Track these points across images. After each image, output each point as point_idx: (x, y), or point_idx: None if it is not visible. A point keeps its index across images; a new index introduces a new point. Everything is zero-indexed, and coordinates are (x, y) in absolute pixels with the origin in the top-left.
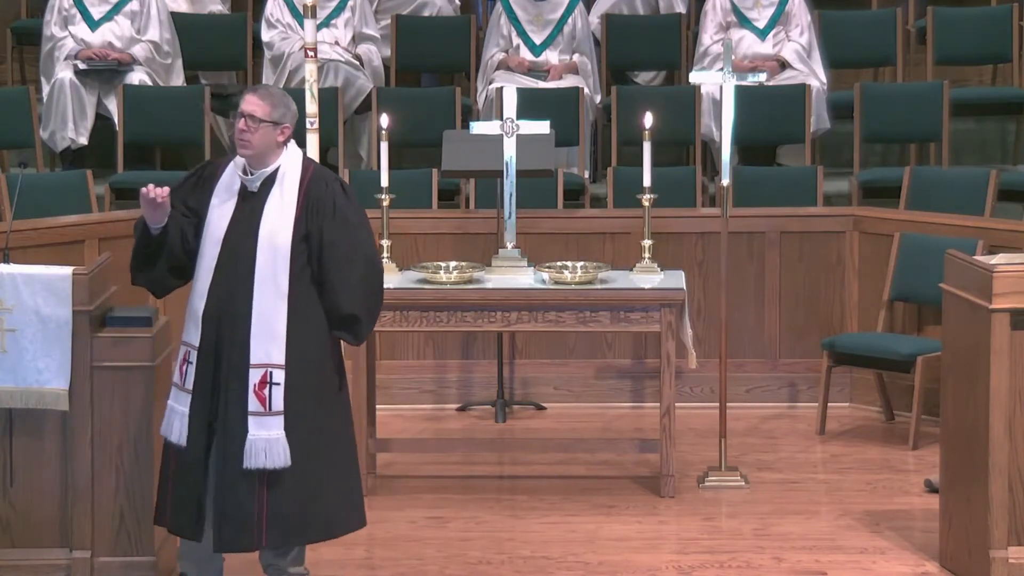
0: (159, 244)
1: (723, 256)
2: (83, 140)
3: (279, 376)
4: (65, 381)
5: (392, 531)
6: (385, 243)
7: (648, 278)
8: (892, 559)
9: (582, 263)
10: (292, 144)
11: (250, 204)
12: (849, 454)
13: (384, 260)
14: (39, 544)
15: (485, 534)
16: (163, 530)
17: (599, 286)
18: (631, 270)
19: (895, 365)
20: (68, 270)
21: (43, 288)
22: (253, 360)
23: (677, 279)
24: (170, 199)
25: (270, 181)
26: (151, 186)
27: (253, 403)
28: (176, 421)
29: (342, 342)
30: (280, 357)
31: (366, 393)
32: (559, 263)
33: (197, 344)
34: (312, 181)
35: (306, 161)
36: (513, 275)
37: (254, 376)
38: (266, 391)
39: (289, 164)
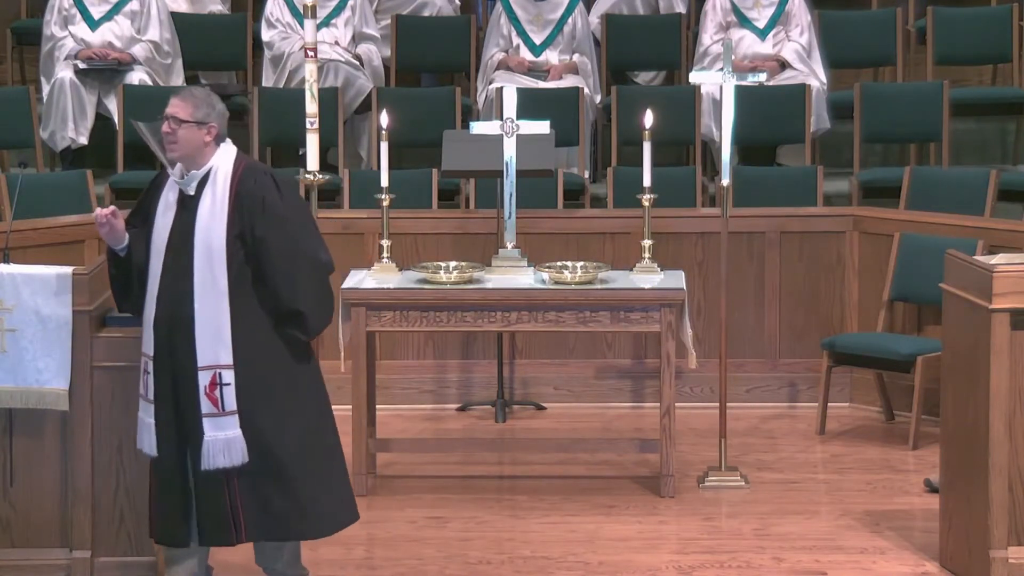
0: (127, 265)
1: (723, 256)
2: (83, 140)
3: (228, 376)
4: (65, 381)
5: (392, 531)
6: (385, 243)
7: (648, 278)
8: (892, 559)
9: (582, 263)
10: (227, 144)
11: (188, 208)
12: (849, 454)
13: (384, 260)
14: (39, 544)
15: (485, 534)
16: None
17: (599, 286)
18: (631, 270)
19: (895, 365)
20: (68, 270)
21: (43, 288)
22: (201, 363)
23: (677, 279)
24: (131, 217)
25: (204, 183)
26: (98, 210)
27: (206, 405)
28: (145, 433)
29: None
30: (228, 357)
31: (366, 393)
32: (559, 263)
33: (152, 353)
34: (242, 178)
35: (239, 158)
36: (513, 275)
37: (204, 378)
38: (217, 392)
39: (221, 163)
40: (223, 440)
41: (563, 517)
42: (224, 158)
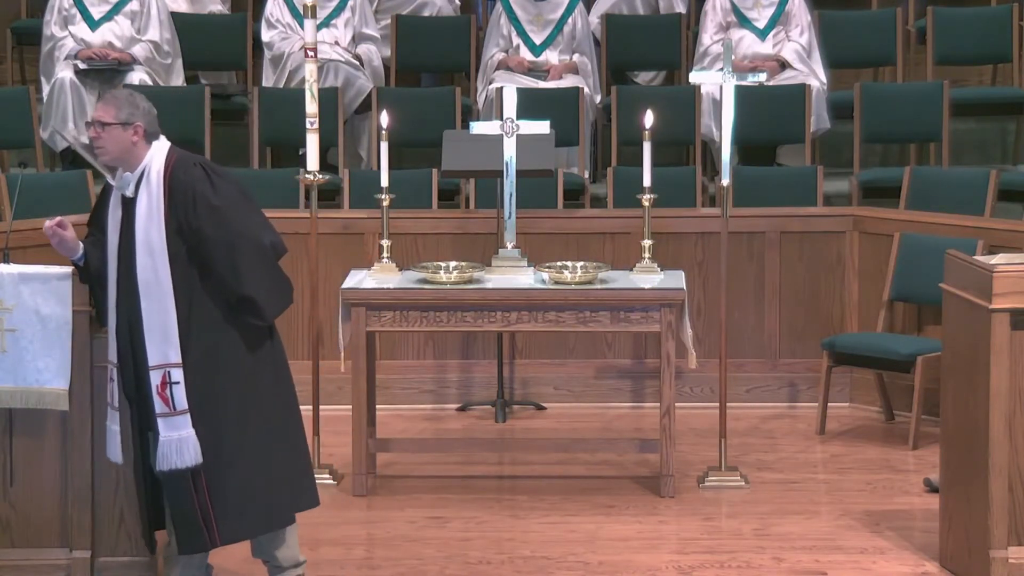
0: (87, 276)
1: (723, 256)
2: (83, 140)
3: (177, 375)
4: (65, 381)
5: (392, 531)
6: (385, 243)
7: (648, 278)
8: (892, 559)
9: (582, 263)
10: (160, 141)
11: (128, 210)
12: (849, 454)
13: (384, 260)
14: (39, 544)
15: (485, 534)
16: (164, 530)
17: (599, 286)
18: (631, 270)
19: (895, 365)
20: (68, 270)
21: (43, 288)
22: (151, 362)
23: (677, 279)
24: (89, 226)
25: (140, 183)
26: (46, 222)
27: (159, 404)
28: (110, 440)
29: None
30: (176, 356)
31: (366, 393)
32: (559, 263)
33: (115, 359)
34: (173, 172)
35: (170, 152)
36: (513, 275)
37: (155, 378)
38: (168, 391)
39: (154, 160)
40: (176, 440)
41: (563, 517)
42: (157, 155)
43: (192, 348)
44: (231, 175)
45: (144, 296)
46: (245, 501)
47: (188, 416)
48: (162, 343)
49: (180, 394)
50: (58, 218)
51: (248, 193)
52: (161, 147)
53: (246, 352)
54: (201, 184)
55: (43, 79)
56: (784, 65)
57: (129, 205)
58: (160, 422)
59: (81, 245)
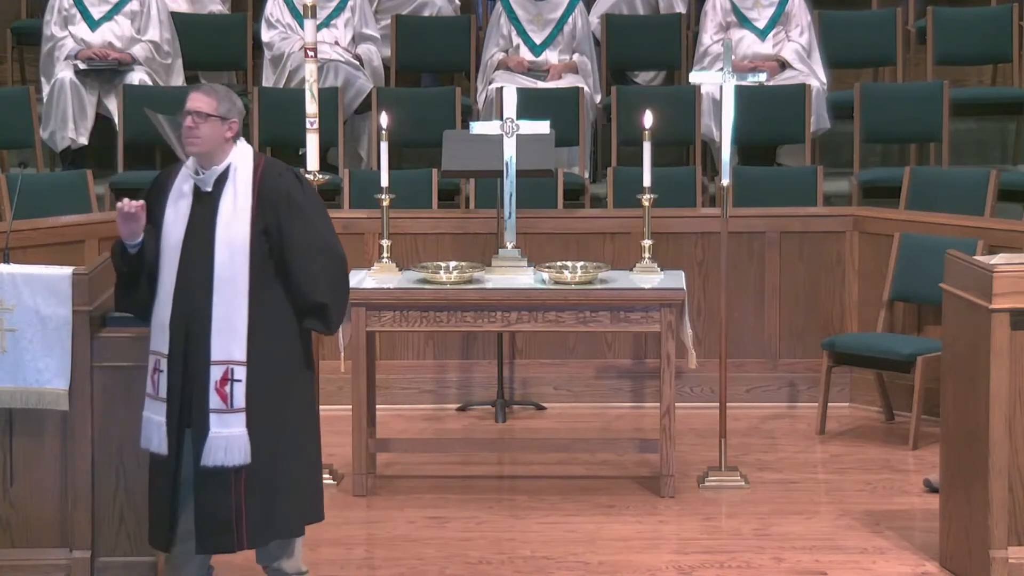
0: (139, 262)
1: (723, 256)
2: (83, 140)
3: (240, 373)
4: (65, 381)
5: (392, 531)
6: (385, 243)
7: (648, 278)
8: (892, 559)
9: (582, 263)
10: (242, 141)
11: (205, 205)
12: (849, 454)
13: (384, 260)
14: (39, 544)
15: (485, 534)
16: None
17: (599, 286)
18: (631, 270)
19: (895, 365)
20: (68, 270)
21: (43, 288)
22: (214, 357)
23: (677, 279)
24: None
25: (223, 179)
26: (126, 200)
27: (215, 400)
28: (155, 431)
29: (313, 334)
30: (241, 354)
31: (366, 393)
32: (559, 263)
33: (166, 351)
34: (264, 174)
35: (257, 155)
36: (513, 275)
37: (215, 373)
38: (227, 388)
39: (240, 160)
40: (226, 437)
41: (563, 517)
42: (242, 155)
43: (254, 349)
44: (313, 184)
45: (217, 292)
46: (274, 506)
47: (243, 415)
48: (229, 340)
49: (240, 392)
50: (141, 201)
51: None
52: (245, 148)
53: (299, 360)
54: (295, 190)
55: (43, 79)
56: (784, 65)
57: (205, 200)
58: (213, 417)
59: (143, 232)
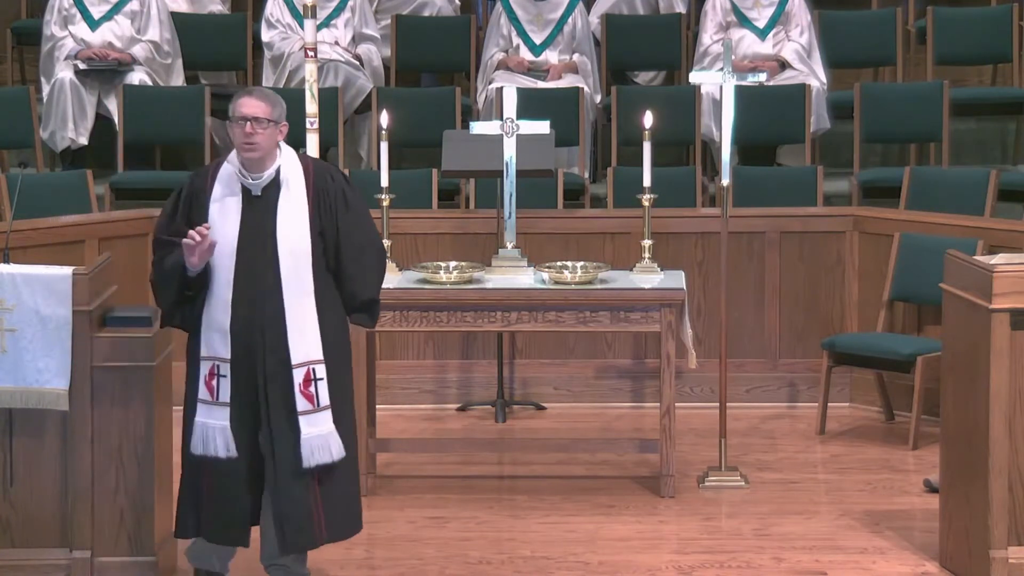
0: (201, 281)
1: (723, 256)
2: (83, 140)
3: (321, 371)
4: (65, 381)
5: (392, 531)
6: (385, 243)
7: (648, 278)
8: (892, 559)
9: (582, 263)
10: (285, 145)
11: (258, 209)
12: (849, 454)
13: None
14: (39, 544)
15: (485, 534)
16: (163, 530)
17: (599, 286)
18: (631, 270)
19: (895, 365)
20: (68, 270)
21: (43, 288)
22: (295, 360)
23: (677, 279)
24: (174, 229)
25: (274, 183)
26: (193, 233)
27: (302, 403)
28: (218, 436)
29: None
30: (318, 353)
31: (366, 393)
32: (559, 263)
33: (228, 356)
34: (317, 177)
35: (303, 156)
36: (513, 275)
37: (298, 376)
38: (312, 388)
39: (288, 163)
40: (321, 436)
41: (563, 517)
42: (289, 157)
43: (326, 347)
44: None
45: (288, 296)
46: (347, 501)
47: (330, 412)
48: (305, 341)
49: (324, 390)
50: (207, 225)
51: None
52: (289, 150)
53: (350, 356)
54: (347, 189)
55: (43, 79)
56: (784, 65)
57: (257, 204)
58: (303, 420)
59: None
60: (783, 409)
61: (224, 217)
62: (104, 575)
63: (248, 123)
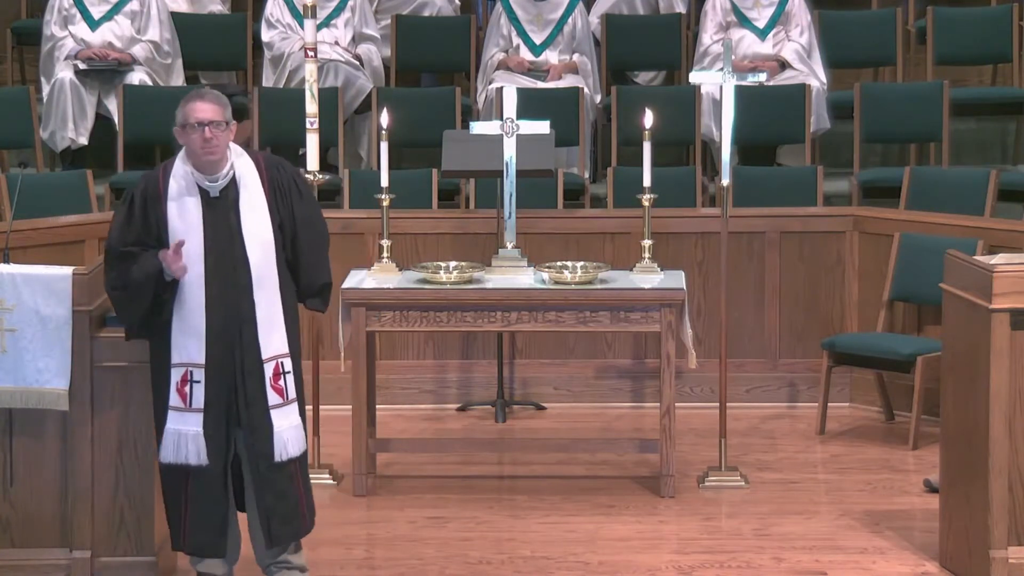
0: (171, 288)
1: (723, 256)
2: (83, 140)
3: (288, 364)
4: (65, 381)
5: (392, 531)
6: (385, 243)
7: (648, 278)
8: (892, 559)
9: (582, 263)
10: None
11: (219, 209)
12: (849, 454)
13: (384, 260)
14: (39, 544)
15: (485, 534)
16: (163, 530)
17: (599, 286)
18: (631, 270)
19: (895, 365)
20: (68, 270)
21: (43, 288)
22: (265, 355)
23: (677, 279)
24: (133, 238)
25: (231, 182)
26: (168, 252)
27: (272, 397)
28: (190, 443)
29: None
30: (284, 346)
31: (366, 393)
32: (559, 263)
33: (201, 360)
34: (269, 170)
35: (250, 151)
36: (513, 275)
37: (268, 370)
38: (281, 381)
39: (240, 159)
40: (292, 428)
41: (563, 517)
42: (238, 153)
43: (290, 338)
44: None
45: (257, 291)
46: (311, 490)
47: (296, 404)
48: (273, 334)
49: (291, 382)
50: (180, 240)
51: None
52: (237, 148)
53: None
54: (297, 177)
55: (43, 79)
56: (784, 65)
57: (217, 204)
58: (273, 414)
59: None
60: (783, 409)
61: (184, 220)
62: (104, 575)
63: (206, 128)
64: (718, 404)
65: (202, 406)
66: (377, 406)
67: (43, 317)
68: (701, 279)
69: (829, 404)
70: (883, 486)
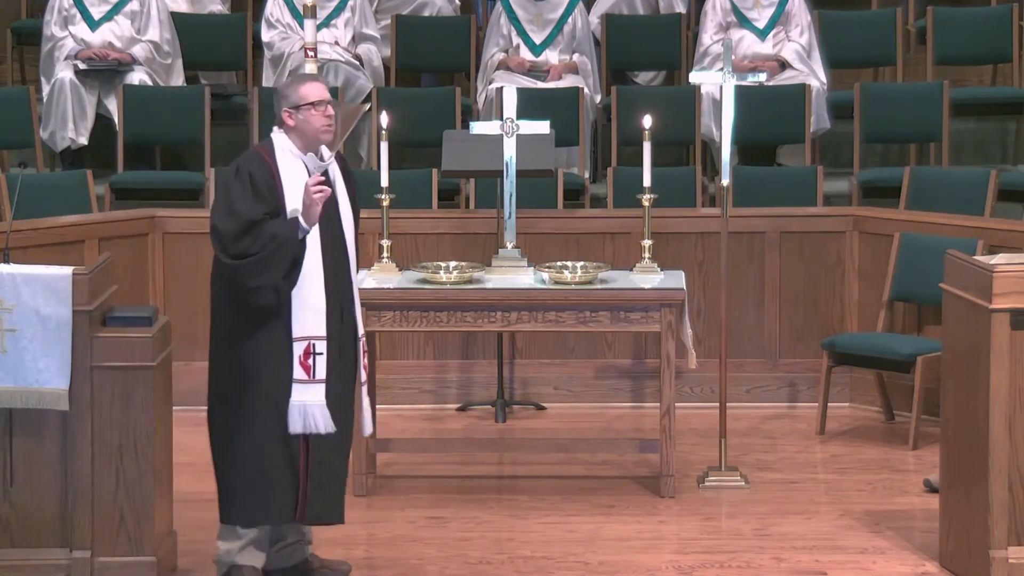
0: (304, 253)
1: (723, 256)
2: (83, 140)
3: (364, 344)
4: (65, 381)
5: (392, 531)
6: (385, 243)
7: (648, 278)
8: (892, 559)
9: (582, 263)
10: None
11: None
12: (849, 454)
13: (384, 260)
14: (39, 544)
15: (485, 534)
16: (163, 530)
17: (599, 286)
18: (631, 270)
19: (895, 365)
20: (68, 270)
21: (43, 288)
22: (360, 332)
23: (677, 279)
24: (262, 207)
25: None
26: (313, 184)
27: (362, 375)
28: (316, 413)
29: None
30: (362, 326)
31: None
32: (559, 263)
33: (323, 333)
34: (339, 156)
35: None
36: (513, 275)
37: (359, 349)
38: (365, 359)
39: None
40: (367, 409)
41: (563, 517)
42: None
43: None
44: None
45: (353, 270)
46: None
47: (365, 384)
48: (360, 314)
49: (363, 363)
50: (320, 178)
51: None
52: None
53: None
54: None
55: (43, 79)
56: (784, 65)
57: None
58: (363, 391)
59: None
60: (783, 409)
61: (299, 197)
62: (104, 575)
63: (327, 105)
64: (718, 404)
65: (324, 377)
66: (377, 406)
67: (43, 317)
68: (701, 279)
69: (829, 404)
70: (883, 486)
